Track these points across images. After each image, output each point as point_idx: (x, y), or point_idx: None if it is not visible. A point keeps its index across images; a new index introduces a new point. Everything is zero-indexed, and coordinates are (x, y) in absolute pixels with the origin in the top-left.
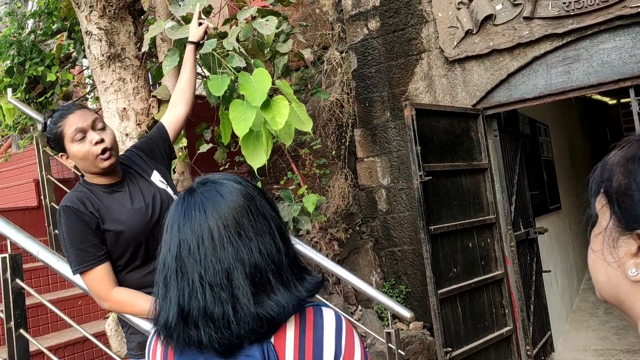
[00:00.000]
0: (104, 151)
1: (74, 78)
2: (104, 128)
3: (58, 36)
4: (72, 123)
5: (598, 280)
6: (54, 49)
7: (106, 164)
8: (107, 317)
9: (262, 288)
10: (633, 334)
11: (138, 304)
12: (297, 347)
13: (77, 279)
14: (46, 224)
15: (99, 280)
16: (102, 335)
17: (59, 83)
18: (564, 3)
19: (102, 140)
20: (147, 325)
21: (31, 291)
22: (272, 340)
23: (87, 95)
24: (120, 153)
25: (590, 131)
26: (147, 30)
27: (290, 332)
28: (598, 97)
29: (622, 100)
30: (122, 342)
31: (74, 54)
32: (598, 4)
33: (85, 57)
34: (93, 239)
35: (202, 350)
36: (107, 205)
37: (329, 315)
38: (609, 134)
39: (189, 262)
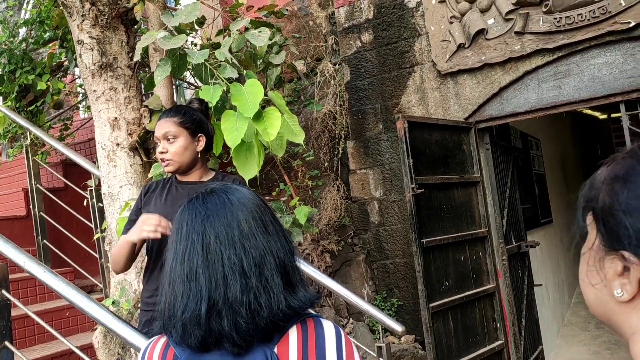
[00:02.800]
0: (163, 159)
1: (65, 87)
2: (175, 137)
3: (50, 45)
4: (156, 129)
5: (588, 298)
6: (46, 58)
7: (165, 169)
8: (95, 329)
9: (288, 280)
10: (625, 349)
11: (115, 248)
12: (300, 356)
13: (63, 290)
14: (34, 234)
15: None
16: (89, 348)
17: (50, 92)
18: (555, 18)
19: (163, 152)
20: (134, 339)
21: (17, 302)
22: (276, 349)
23: (79, 104)
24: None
25: (582, 145)
26: (140, 39)
27: (293, 340)
28: (589, 111)
29: (613, 115)
30: (109, 355)
31: (66, 62)
32: (589, 20)
33: (76, 66)
34: (131, 221)
35: (212, 350)
36: (160, 194)
37: (328, 326)
38: (599, 149)
39: (218, 251)
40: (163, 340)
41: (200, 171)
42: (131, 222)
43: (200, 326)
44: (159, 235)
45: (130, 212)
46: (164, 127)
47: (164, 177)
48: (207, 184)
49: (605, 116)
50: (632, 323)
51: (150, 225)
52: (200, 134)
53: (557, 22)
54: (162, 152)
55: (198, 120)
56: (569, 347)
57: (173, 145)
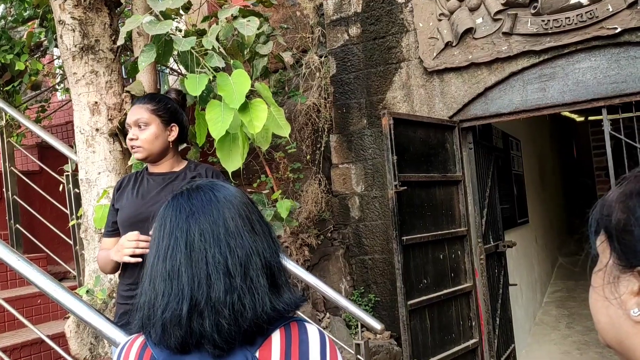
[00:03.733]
0: (133, 146)
1: (43, 68)
2: (146, 124)
3: (29, 23)
4: (128, 115)
5: (599, 321)
6: (25, 37)
7: (134, 156)
8: (67, 318)
9: (273, 282)
10: (594, 349)
11: (101, 255)
12: None
13: (35, 278)
14: (7, 218)
15: (101, 246)
16: (61, 337)
17: (28, 72)
18: (543, 21)
19: (133, 139)
20: (108, 330)
21: None
22: (257, 354)
23: (57, 86)
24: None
25: (559, 147)
26: (123, 23)
27: (275, 345)
28: (567, 113)
29: (590, 118)
30: (81, 344)
31: (45, 42)
32: (576, 24)
33: (56, 46)
34: (111, 216)
35: (192, 351)
36: (132, 188)
37: (313, 331)
38: (575, 151)
39: (203, 249)
40: (140, 340)
41: (171, 161)
42: (109, 223)
43: (181, 326)
44: (139, 260)
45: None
46: (136, 113)
47: (144, 165)
48: (178, 173)
49: (582, 119)
50: None
51: (129, 249)
52: (173, 124)
53: (545, 24)
54: (132, 139)
55: (172, 109)
56: (540, 345)
57: (144, 132)
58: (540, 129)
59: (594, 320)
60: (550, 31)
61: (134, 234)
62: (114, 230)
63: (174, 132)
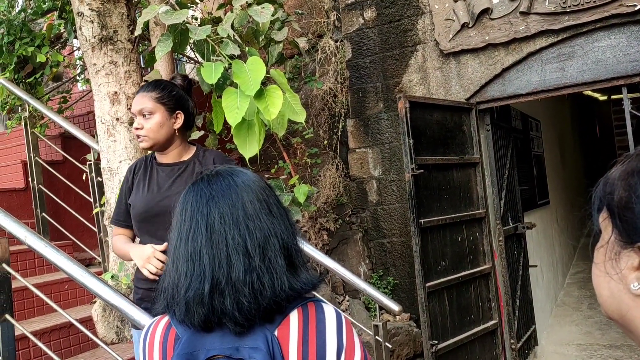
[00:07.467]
0: (138, 135)
1: (64, 59)
2: (151, 113)
3: (48, 15)
4: (132, 104)
5: (601, 295)
6: (44, 29)
7: (140, 145)
8: (94, 302)
9: (291, 262)
10: (616, 329)
11: (118, 245)
12: (300, 340)
13: (62, 264)
14: (33, 207)
15: (114, 233)
16: (88, 320)
17: (49, 64)
18: None
19: (138, 128)
20: (134, 313)
21: (17, 276)
22: (276, 332)
23: (78, 77)
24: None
25: (581, 127)
26: (140, 13)
27: (294, 325)
28: (589, 93)
29: (613, 97)
30: (108, 328)
31: (65, 34)
32: (594, 2)
33: (76, 37)
34: (124, 204)
35: (214, 329)
36: (142, 179)
37: (329, 311)
38: (598, 130)
39: (222, 231)
40: (165, 320)
41: (179, 149)
42: (120, 204)
43: (204, 305)
44: (156, 277)
45: (119, 191)
46: (141, 102)
47: (142, 157)
48: (187, 163)
49: (605, 97)
50: None
51: (152, 267)
52: (178, 111)
53: (563, 3)
54: (137, 128)
55: (177, 96)
56: (562, 326)
57: (149, 121)
58: (561, 109)
59: (596, 294)
60: (568, 10)
61: (158, 255)
62: (126, 220)
63: (180, 119)
